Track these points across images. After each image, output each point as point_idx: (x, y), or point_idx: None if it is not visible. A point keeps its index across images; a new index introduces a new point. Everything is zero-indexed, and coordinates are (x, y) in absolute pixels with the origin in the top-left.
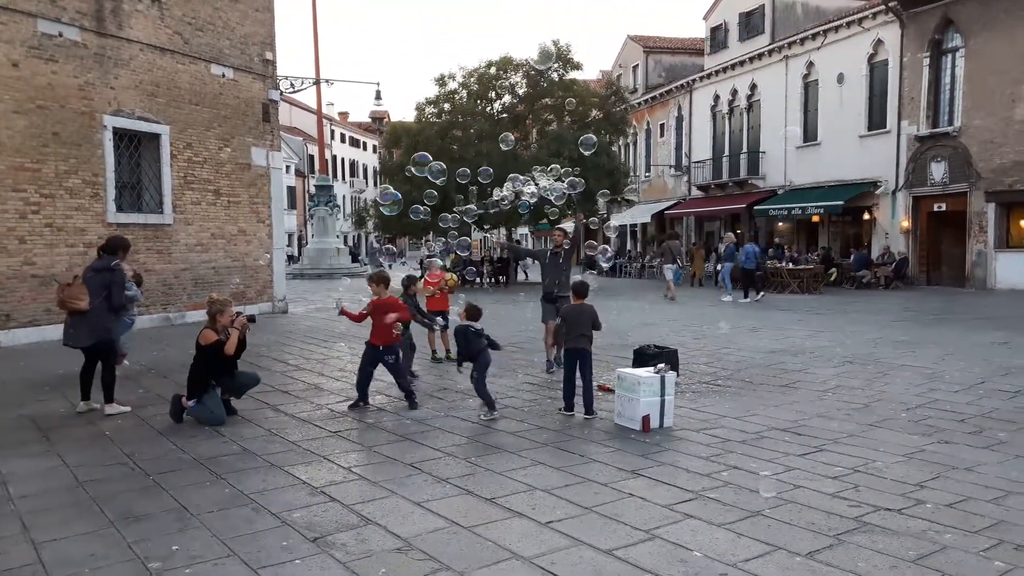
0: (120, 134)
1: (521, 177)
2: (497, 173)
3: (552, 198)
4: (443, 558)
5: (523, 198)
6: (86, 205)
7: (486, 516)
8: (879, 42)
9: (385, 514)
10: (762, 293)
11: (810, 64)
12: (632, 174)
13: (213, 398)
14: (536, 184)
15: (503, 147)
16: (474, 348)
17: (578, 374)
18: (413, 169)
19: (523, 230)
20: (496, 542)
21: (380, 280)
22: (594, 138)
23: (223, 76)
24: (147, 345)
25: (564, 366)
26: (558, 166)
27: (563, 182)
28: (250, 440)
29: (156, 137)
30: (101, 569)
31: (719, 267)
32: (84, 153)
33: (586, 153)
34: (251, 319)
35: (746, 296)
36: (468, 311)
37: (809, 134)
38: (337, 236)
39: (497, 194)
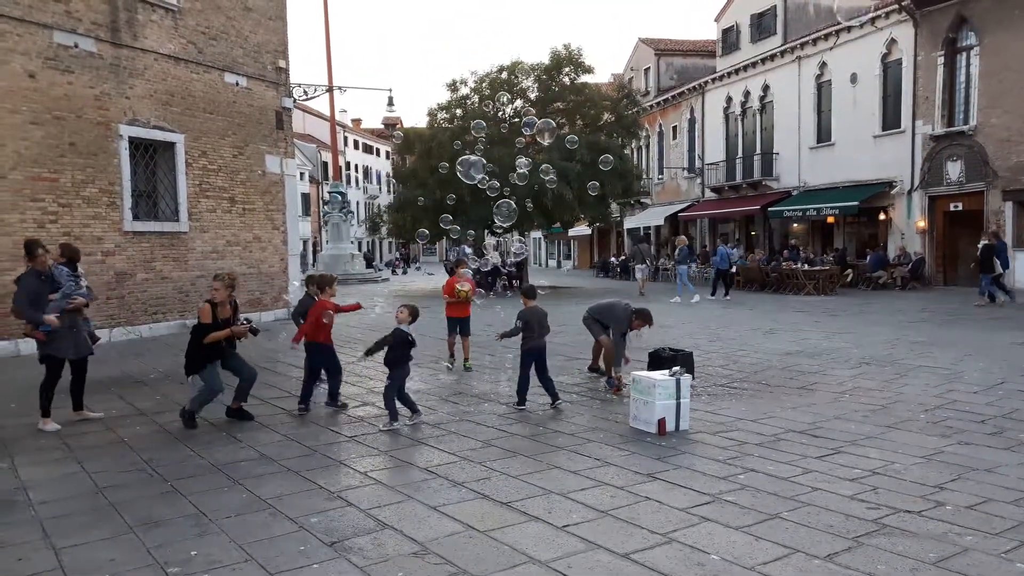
0: (136, 143)
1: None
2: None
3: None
4: (459, 562)
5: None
6: (103, 214)
7: (502, 520)
8: (892, 41)
9: (401, 518)
10: (728, 296)
11: (823, 64)
12: (645, 176)
13: (211, 371)
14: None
15: (519, 173)
16: (400, 357)
17: (533, 370)
18: (474, 132)
19: (536, 234)
20: (512, 546)
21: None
22: (611, 157)
23: (237, 84)
24: (164, 352)
25: (523, 364)
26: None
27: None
28: (267, 445)
29: (171, 146)
30: (121, 574)
31: (679, 268)
32: (100, 162)
33: (605, 169)
34: (254, 331)
35: (713, 294)
36: (413, 313)
37: (823, 135)
38: (351, 242)
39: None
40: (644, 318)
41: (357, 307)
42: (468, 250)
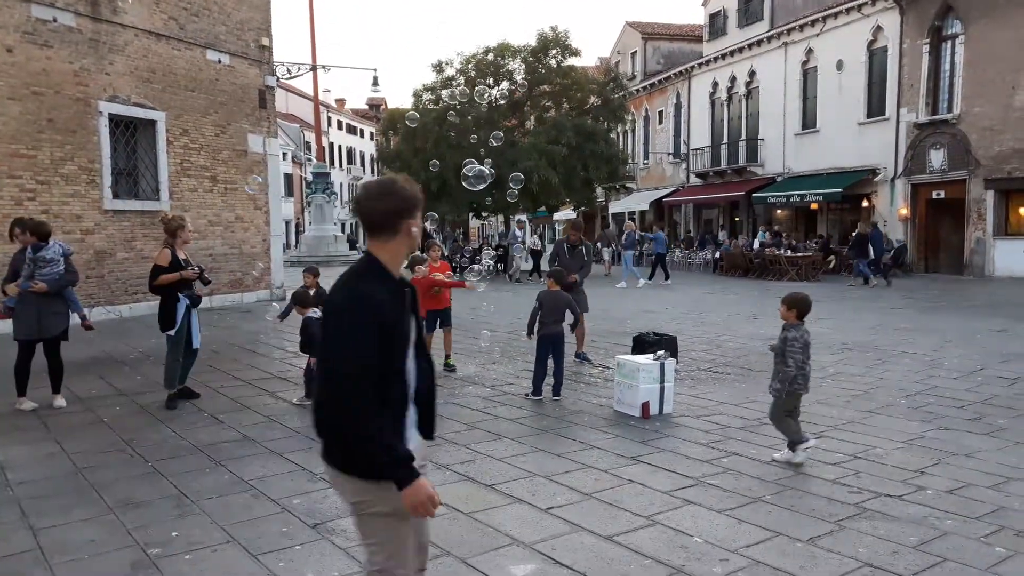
0: (116, 120)
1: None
2: (495, 161)
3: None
4: (444, 544)
5: None
6: (82, 192)
7: (487, 502)
8: (879, 28)
9: None
10: (668, 280)
11: (809, 51)
12: (630, 161)
13: (177, 331)
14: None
15: (493, 143)
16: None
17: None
18: (456, 112)
19: (521, 216)
20: (497, 528)
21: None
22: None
23: (219, 62)
24: (143, 332)
25: (537, 352)
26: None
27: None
28: (249, 427)
29: (152, 124)
30: (101, 555)
31: (624, 253)
32: (80, 139)
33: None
34: (204, 280)
35: (651, 278)
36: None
37: (808, 121)
38: (335, 223)
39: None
40: (552, 276)
41: (462, 284)
42: (519, 232)
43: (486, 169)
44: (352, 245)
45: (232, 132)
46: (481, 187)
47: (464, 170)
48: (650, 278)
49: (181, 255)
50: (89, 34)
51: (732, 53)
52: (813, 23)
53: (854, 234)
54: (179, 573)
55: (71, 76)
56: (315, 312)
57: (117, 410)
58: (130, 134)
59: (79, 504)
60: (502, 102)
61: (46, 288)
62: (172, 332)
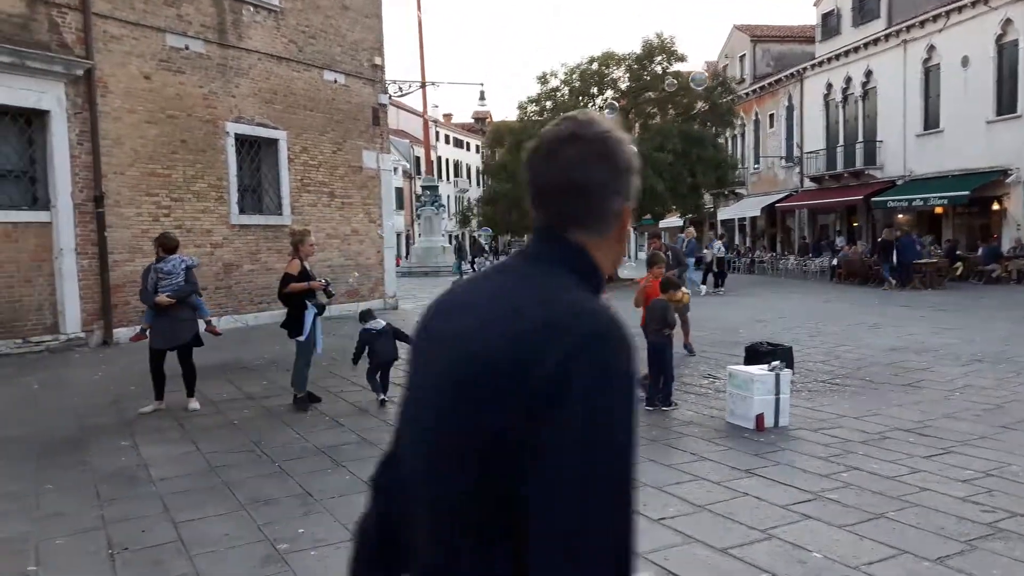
0: (241, 140)
1: None
2: None
3: None
4: None
5: None
6: (212, 208)
7: None
8: (1008, 22)
9: None
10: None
11: (931, 48)
12: (740, 166)
13: (307, 337)
14: None
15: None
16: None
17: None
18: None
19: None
20: None
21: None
22: (704, 75)
23: (335, 82)
24: (268, 340)
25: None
26: None
27: None
28: (368, 431)
29: (274, 142)
30: (235, 548)
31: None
32: (209, 159)
33: (697, 88)
34: (328, 293)
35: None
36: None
37: (931, 121)
38: (443, 235)
39: None
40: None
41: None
42: (717, 243)
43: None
44: (466, 255)
45: (348, 149)
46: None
47: None
48: (702, 283)
49: (308, 266)
50: (217, 59)
51: (847, 53)
52: (935, 19)
53: (879, 239)
54: (306, 568)
55: (201, 99)
56: (376, 323)
57: (245, 413)
58: (254, 152)
59: (213, 500)
60: (607, 111)
61: (169, 301)
62: (302, 338)
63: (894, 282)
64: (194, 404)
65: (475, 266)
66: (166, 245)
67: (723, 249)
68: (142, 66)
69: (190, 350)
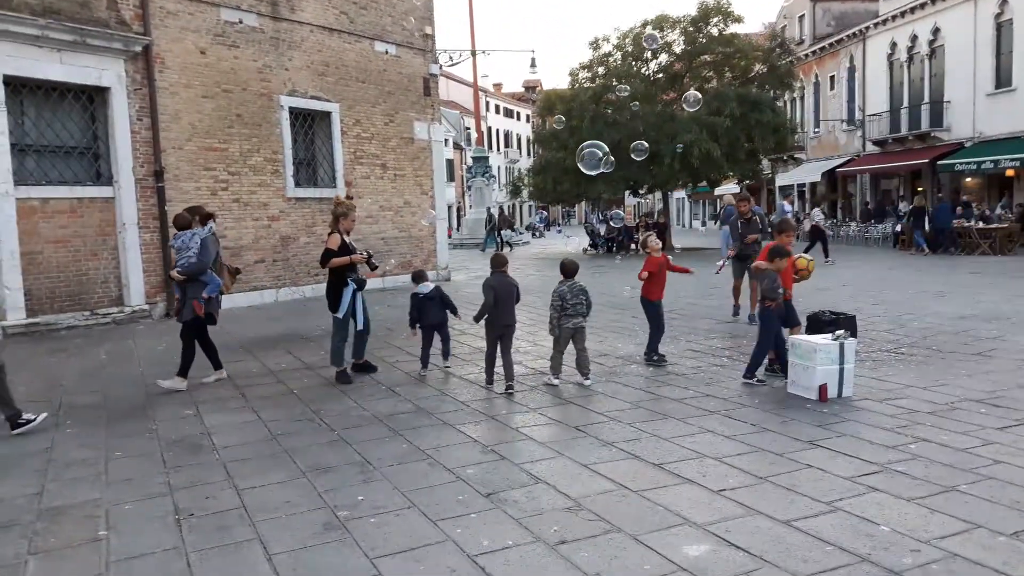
0: (295, 113)
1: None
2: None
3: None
4: (614, 520)
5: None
6: (268, 181)
7: (655, 481)
8: None
9: (554, 474)
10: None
11: (1003, 2)
12: (799, 130)
13: (344, 313)
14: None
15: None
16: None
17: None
18: (617, 94)
19: (680, 194)
20: (667, 507)
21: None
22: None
23: (386, 53)
24: (325, 312)
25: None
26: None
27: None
28: (423, 399)
29: (327, 115)
30: (296, 515)
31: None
32: (264, 132)
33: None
34: (371, 265)
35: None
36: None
37: (1003, 80)
38: (494, 205)
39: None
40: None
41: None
42: (787, 207)
43: (599, 150)
44: (511, 227)
45: (399, 120)
46: (643, 159)
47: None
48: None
49: (348, 239)
50: (270, 32)
51: (912, 10)
52: None
53: (911, 206)
54: (366, 535)
55: (255, 73)
56: (425, 286)
57: (304, 382)
58: (308, 126)
59: (275, 467)
60: (660, 75)
61: (179, 277)
62: (339, 315)
63: (926, 249)
64: (169, 384)
65: (502, 240)
66: (177, 223)
67: (822, 217)
68: (197, 41)
69: (194, 329)
